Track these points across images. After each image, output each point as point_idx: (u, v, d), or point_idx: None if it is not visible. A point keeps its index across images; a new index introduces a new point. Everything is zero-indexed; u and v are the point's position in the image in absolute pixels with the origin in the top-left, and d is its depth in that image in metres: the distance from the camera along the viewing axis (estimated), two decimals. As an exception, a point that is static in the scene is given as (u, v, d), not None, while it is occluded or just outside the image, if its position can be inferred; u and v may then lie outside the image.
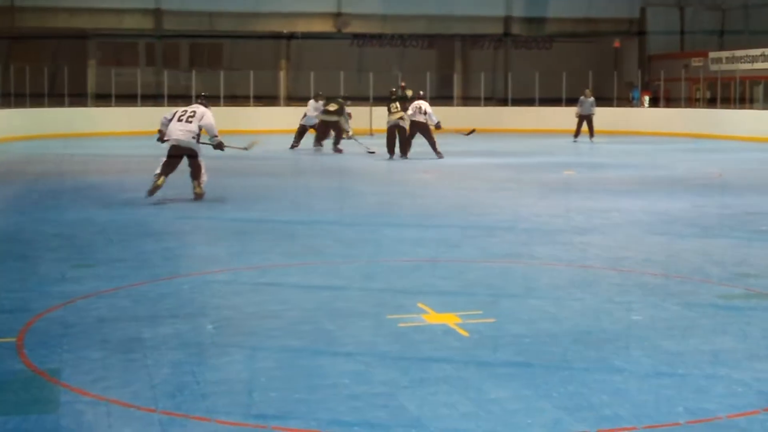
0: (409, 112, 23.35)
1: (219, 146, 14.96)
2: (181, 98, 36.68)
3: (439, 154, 23.17)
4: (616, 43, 43.35)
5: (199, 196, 14.48)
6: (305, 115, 26.76)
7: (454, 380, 5.67)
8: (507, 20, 41.93)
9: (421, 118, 23.36)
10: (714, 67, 39.21)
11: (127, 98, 36.08)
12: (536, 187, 16.75)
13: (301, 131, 26.75)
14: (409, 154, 23.24)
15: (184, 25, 39.12)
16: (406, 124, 23.27)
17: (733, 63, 38.43)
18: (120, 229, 11.68)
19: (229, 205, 14.22)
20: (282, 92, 40.18)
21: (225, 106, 36.48)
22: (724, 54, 39.42)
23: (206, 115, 14.70)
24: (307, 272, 9.02)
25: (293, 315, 7.21)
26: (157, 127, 14.85)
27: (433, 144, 23.30)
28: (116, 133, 33.45)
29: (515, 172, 19.99)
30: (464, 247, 10.47)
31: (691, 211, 13.52)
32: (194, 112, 14.69)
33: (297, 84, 40.02)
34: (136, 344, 6.42)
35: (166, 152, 14.41)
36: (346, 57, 41.56)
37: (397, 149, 23.21)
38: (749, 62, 37.74)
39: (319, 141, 26.00)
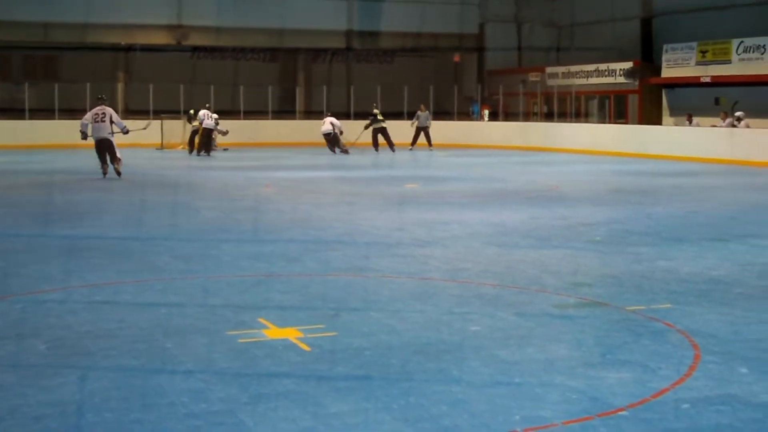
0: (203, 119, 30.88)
1: (126, 132, 20.93)
2: (13, 111, 35.62)
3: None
4: (456, 58, 44.10)
5: (119, 173, 20.52)
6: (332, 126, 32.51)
7: (294, 395, 5.62)
8: (348, 34, 42.18)
9: (210, 124, 30.95)
10: (551, 82, 40.34)
11: (-44, 111, 34.86)
12: (377, 201, 16.84)
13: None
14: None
15: (17, 36, 37.93)
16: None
17: (568, 78, 39.60)
18: (-53, 248, 11.22)
19: (60, 222, 13.83)
20: (120, 105, 39.35)
21: (60, 119, 35.55)
22: (560, 69, 40.59)
23: (113, 114, 20.95)
24: (144, 289, 8.82)
25: (129, 333, 7.03)
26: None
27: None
28: (-55, 148, 32.22)
29: (357, 185, 20.09)
30: (305, 261, 10.41)
31: (528, 222, 13.81)
32: (104, 113, 20.71)
33: (135, 96, 39.28)
34: (-37, 367, 6.16)
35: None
36: (186, 69, 41.06)
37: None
38: (584, 77, 38.97)
39: (376, 146, 33.45)
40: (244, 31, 40.29)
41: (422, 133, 35.08)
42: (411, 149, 34.65)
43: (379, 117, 33.39)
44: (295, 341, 6.81)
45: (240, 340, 6.83)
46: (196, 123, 31.58)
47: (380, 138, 33.51)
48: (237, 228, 13.33)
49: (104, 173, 20.72)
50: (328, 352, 6.56)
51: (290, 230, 12.99)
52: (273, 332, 7.07)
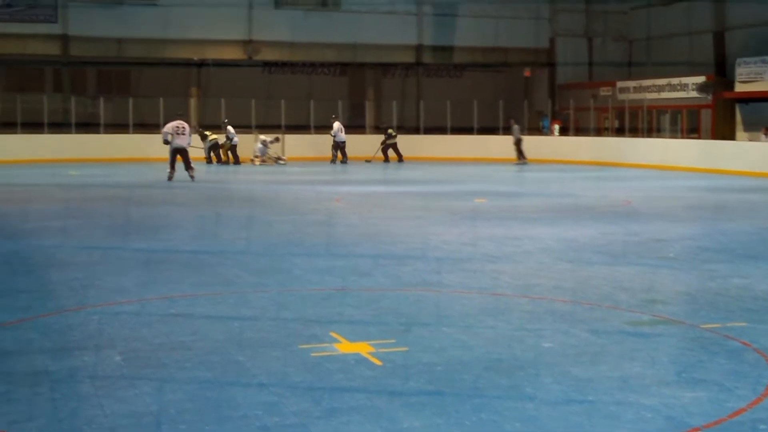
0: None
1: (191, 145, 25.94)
2: (89, 125, 36.20)
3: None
4: (527, 73, 43.91)
5: (192, 177, 24.41)
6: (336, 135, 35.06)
7: (367, 410, 5.62)
8: (418, 49, 42.23)
9: (237, 141, 33.50)
10: (622, 97, 39.98)
11: (33, 125, 35.46)
12: (447, 216, 16.82)
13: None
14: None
15: (92, 51, 38.57)
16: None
17: (640, 92, 39.22)
18: (24, 260, 11.44)
19: (134, 235, 14.01)
20: (193, 120, 39.87)
21: (135, 133, 36.11)
22: (632, 84, 40.22)
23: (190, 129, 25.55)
24: (217, 302, 8.91)
25: (203, 346, 7.10)
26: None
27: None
28: (21, 161, 32.87)
29: (427, 200, 20.08)
30: (376, 276, 10.43)
31: (600, 238, 13.69)
32: (184, 127, 25.18)
33: (208, 111, 39.74)
34: (42, 377, 6.26)
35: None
36: (257, 84, 41.44)
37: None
38: (656, 92, 38.56)
39: (387, 159, 36.57)
40: (315, 46, 40.51)
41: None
42: (526, 162, 35.47)
43: (393, 134, 36.94)
44: (366, 356, 6.82)
45: (312, 354, 6.86)
46: (214, 137, 34.18)
47: (390, 152, 36.69)
48: (308, 242, 13.39)
49: (170, 177, 24.43)
50: (400, 366, 6.56)
51: (361, 244, 13.03)
52: (345, 346, 7.09)
